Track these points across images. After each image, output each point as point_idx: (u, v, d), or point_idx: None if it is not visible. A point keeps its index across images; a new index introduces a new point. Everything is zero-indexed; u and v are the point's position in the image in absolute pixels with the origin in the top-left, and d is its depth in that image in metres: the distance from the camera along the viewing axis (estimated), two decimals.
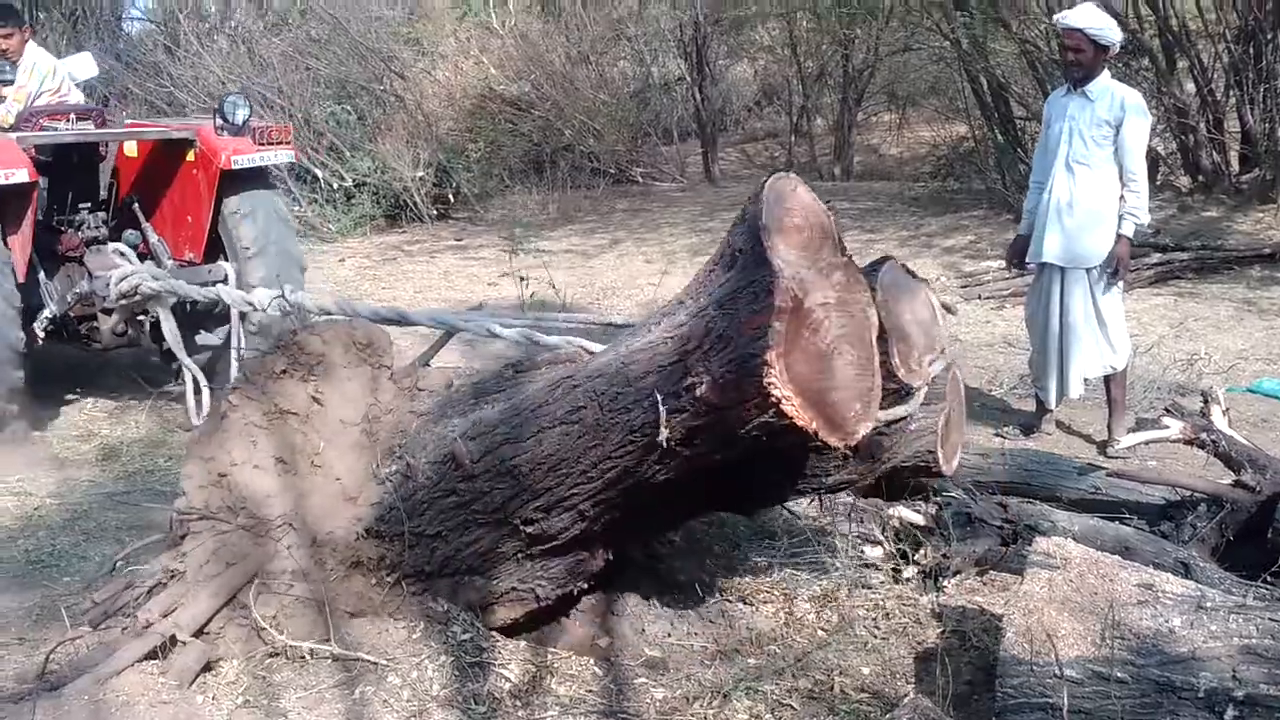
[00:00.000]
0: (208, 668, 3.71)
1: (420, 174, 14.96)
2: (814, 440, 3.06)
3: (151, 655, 3.63)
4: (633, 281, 11.21)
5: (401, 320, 5.37)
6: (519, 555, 3.82)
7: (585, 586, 3.98)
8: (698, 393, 3.13)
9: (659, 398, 3.21)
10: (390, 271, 12.32)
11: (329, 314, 5.52)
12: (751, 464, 3.57)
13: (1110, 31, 5.98)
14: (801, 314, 3.03)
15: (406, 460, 3.86)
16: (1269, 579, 3.95)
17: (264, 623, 3.76)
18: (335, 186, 14.85)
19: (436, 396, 4.09)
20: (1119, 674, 3.26)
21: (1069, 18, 6.15)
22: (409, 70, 16.88)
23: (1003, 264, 10.56)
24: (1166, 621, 3.40)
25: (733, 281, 3.15)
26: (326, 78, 16.22)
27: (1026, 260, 6.55)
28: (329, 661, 3.73)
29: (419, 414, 4.01)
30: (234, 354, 6.54)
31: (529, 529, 3.70)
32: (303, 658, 3.74)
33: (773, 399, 2.98)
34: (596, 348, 4.46)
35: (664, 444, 3.23)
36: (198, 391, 6.42)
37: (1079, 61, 6.10)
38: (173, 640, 3.68)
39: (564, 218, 14.90)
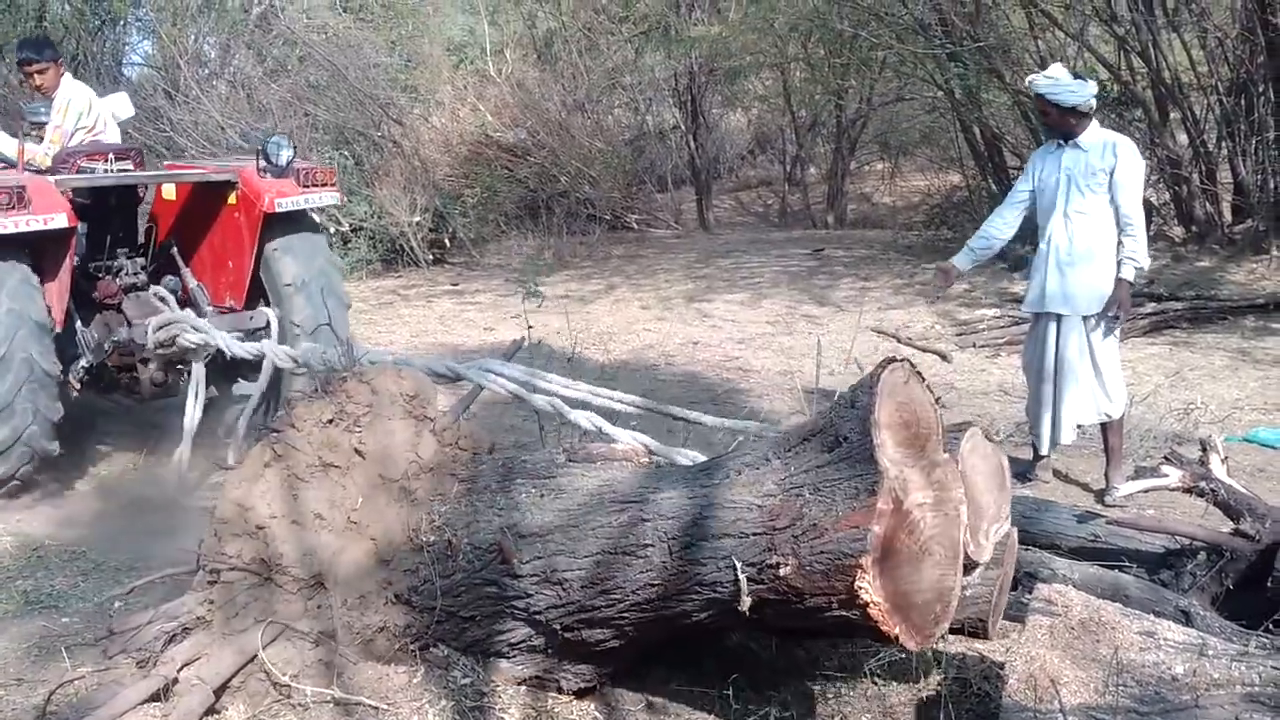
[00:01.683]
0: (210, 711, 3.69)
1: (417, 219, 15.05)
2: (892, 643, 3.06)
3: (154, 697, 3.62)
4: (629, 327, 11.25)
5: (457, 376, 5.26)
6: (549, 650, 3.80)
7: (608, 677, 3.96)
8: (781, 573, 3.10)
9: (738, 565, 3.17)
10: (387, 316, 12.34)
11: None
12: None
13: (1070, 94, 6.05)
14: (900, 515, 3.02)
15: (449, 537, 3.80)
16: (1270, 627, 3.95)
17: (285, 679, 3.73)
18: (332, 231, 14.91)
19: (479, 461, 4.04)
20: None
21: (1033, 83, 6.25)
22: (406, 117, 17.01)
23: (996, 311, 10.70)
24: (1169, 669, 3.40)
25: (832, 467, 3.11)
26: (325, 123, 16.34)
27: (1025, 309, 6.59)
28: (331, 705, 3.72)
29: (460, 479, 3.96)
30: (250, 406, 6.39)
31: (568, 635, 3.67)
32: (305, 704, 3.72)
33: (860, 601, 2.96)
34: (649, 441, 4.45)
35: (745, 612, 3.20)
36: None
37: (1048, 123, 6.31)
38: (174, 681, 3.67)
39: (560, 263, 14.96)
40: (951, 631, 3.95)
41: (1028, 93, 12.73)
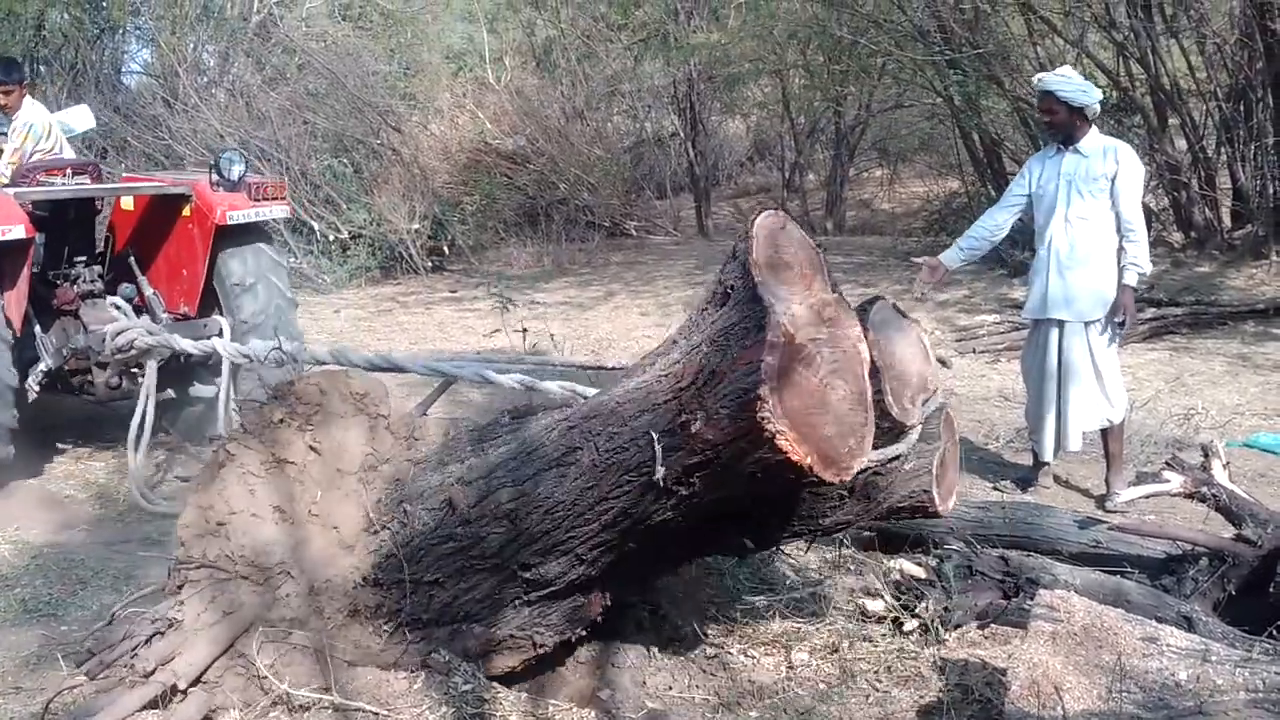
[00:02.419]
0: (208, 718, 3.68)
1: (416, 226, 15.05)
2: (809, 476, 3.06)
3: (152, 705, 3.61)
4: (628, 334, 11.24)
5: (396, 368, 5.36)
6: (517, 601, 3.81)
7: (584, 634, 3.97)
8: (692, 429, 3.14)
9: (654, 435, 3.22)
10: (385, 323, 12.34)
11: (324, 364, 5.52)
12: (748, 505, 3.57)
13: (1081, 94, 6.03)
14: (794, 349, 3.05)
15: (404, 508, 3.85)
16: (1274, 633, 3.94)
17: (264, 670, 3.74)
18: (331, 239, 14.93)
19: (434, 445, 4.08)
20: None
21: (1043, 80, 6.22)
22: (405, 124, 17.01)
23: (996, 317, 10.69)
24: (1172, 675, 3.40)
25: (725, 318, 3.17)
26: (323, 131, 16.35)
27: (1025, 315, 6.58)
28: (329, 711, 3.71)
29: (415, 462, 4.01)
30: (221, 407, 6.52)
31: (526, 574, 3.69)
32: (303, 708, 3.71)
33: (767, 434, 2.97)
34: (593, 393, 4.46)
35: (660, 483, 3.24)
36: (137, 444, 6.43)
37: (1053, 124, 6.21)
38: (173, 690, 3.66)
39: (559, 270, 14.97)
40: (900, 512, 4.04)
41: (1027, 99, 12.81)
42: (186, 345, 6.45)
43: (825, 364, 3.13)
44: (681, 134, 17.99)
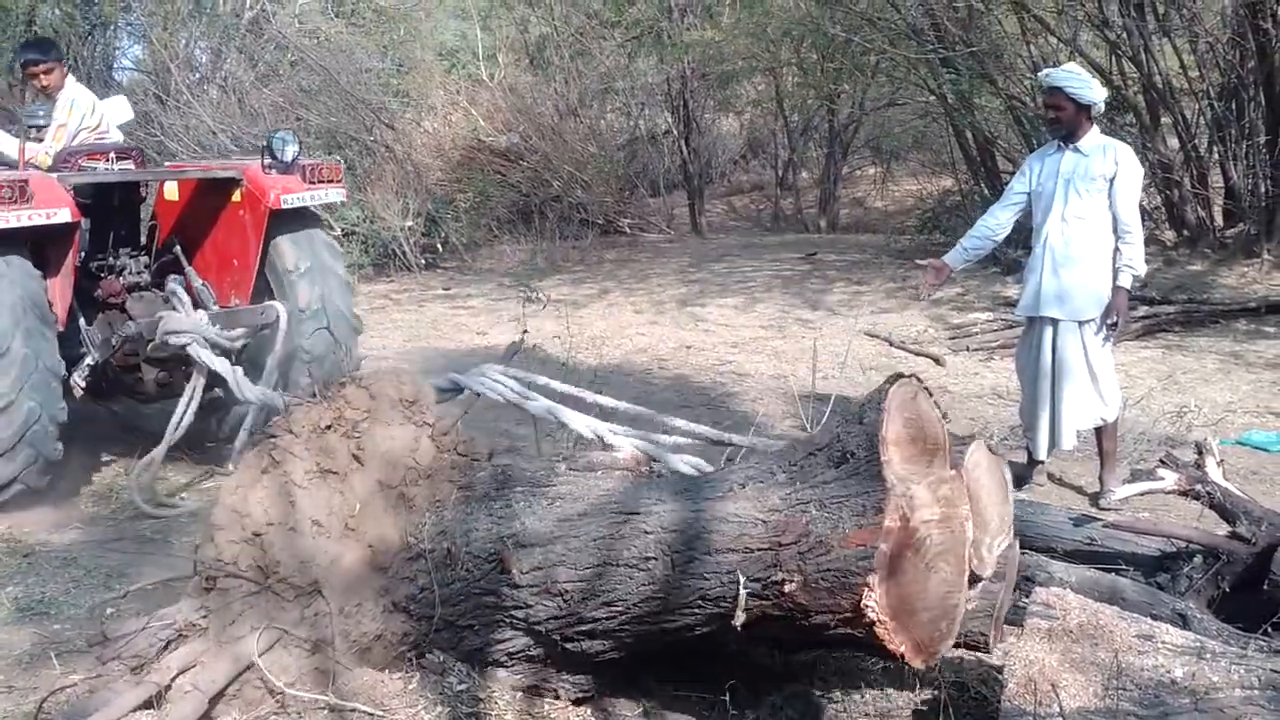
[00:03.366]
0: (204, 718, 3.67)
1: (409, 223, 15.03)
2: (896, 660, 3.05)
3: (147, 704, 3.59)
4: (622, 331, 11.23)
5: (455, 388, 5.24)
6: (548, 660, 3.78)
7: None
8: (786, 589, 3.09)
9: (742, 580, 3.16)
10: (379, 320, 12.31)
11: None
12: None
13: (1089, 91, 6.02)
14: (907, 533, 3.01)
15: (447, 545, 3.78)
16: (1268, 629, 3.94)
17: (280, 686, 3.70)
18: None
19: (478, 468, 4.02)
20: None
21: (1051, 76, 6.20)
22: (398, 121, 16.99)
23: (990, 315, 10.70)
24: (1168, 672, 3.40)
25: (840, 485, 3.11)
26: (317, 128, 16.32)
27: (1019, 312, 6.59)
28: (326, 712, 3.70)
29: (458, 485, 3.95)
30: (243, 435, 6.38)
31: (567, 645, 3.66)
32: (300, 711, 3.70)
33: (866, 620, 2.95)
34: (649, 449, 4.43)
35: (738, 627, 3.20)
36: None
37: (1059, 120, 6.16)
38: (167, 687, 3.64)
39: (552, 268, 14.96)
40: (954, 646, 3.93)
41: (1020, 98, 12.84)
42: (211, 360, 6.28)
43: (934, 546, 3.09)
44: (675, 132, 17.99)
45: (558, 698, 3.84)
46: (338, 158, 15.14)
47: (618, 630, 3.54)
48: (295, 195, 6.85)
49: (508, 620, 3.71)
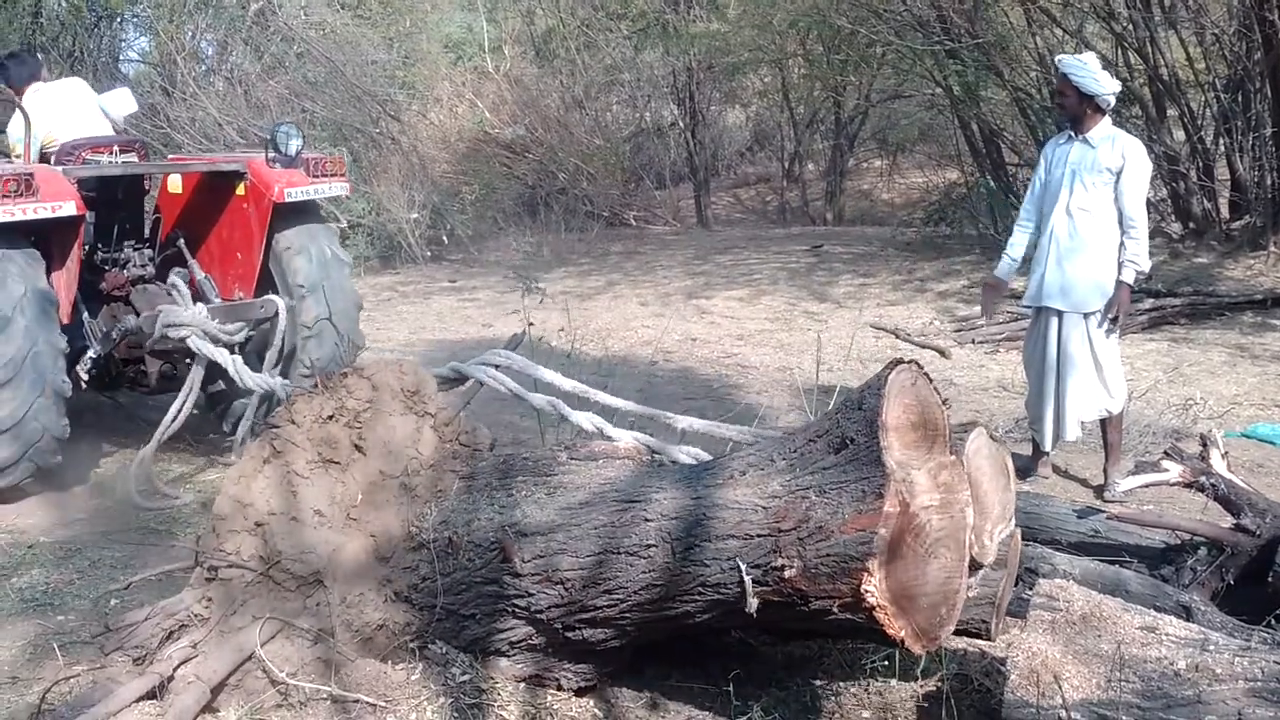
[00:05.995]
0: (206, 708, 3.67)
1: (415, 216, 15.04)
2: (897, 645, 3.05)
3: (150, 695, 3.59)
4: (627, 323, 11.23)
5: (456, 376, 5.22)
6: (550, 649, 3.78)
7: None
8: (786, 575, 3.09)
9: (743, 566, 3.16)
10: (385, 313, 12.31)
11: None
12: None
13: (1093, 83, 6.01)
14: (907, 518, 3.00)
15: (449, 534, 3.78)
16: (1272, 622, 3.94)
17: (282, 676, 3.70)
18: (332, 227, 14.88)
19: (479, 458, 4.01)
20: (1125, 717, 3.23)
21: (1061, 62, 6.21)
22: (404, 113, 16.99)
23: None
24: (1171, 664, 3.39)
25: (840, 470, 3.10)
26: (322, 120, 16.31)
27: (1024, 304, 6.58)
28: (328, 703, 3.70)
29: (460, 475, 3.94)
30: (245, 425, 6.42)
31: (569, 634, 3.66)
32: (302, 701, 3.70)
33: (866, 605, 2.95)
34: (650, 441, 4.42)
35: (752, 613, 3.19)
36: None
37: (1062, 105, 6.20)
38: (170, 678, 3.64)
39: (558, 260, 14.95)
40: (955, 633, 3.90)
41: (1026, 89, 12.82)
42: (213, 354, 6.26)
43: (934, 532, 3.08)
44: (681, 124, 17.98)
45: (560, 688, 3.84)
46: (342, 150, 15.30)
47: (619, 618, 3.54)
48: (299, 189, 6.82)
49: (510, 609, 3.71)
